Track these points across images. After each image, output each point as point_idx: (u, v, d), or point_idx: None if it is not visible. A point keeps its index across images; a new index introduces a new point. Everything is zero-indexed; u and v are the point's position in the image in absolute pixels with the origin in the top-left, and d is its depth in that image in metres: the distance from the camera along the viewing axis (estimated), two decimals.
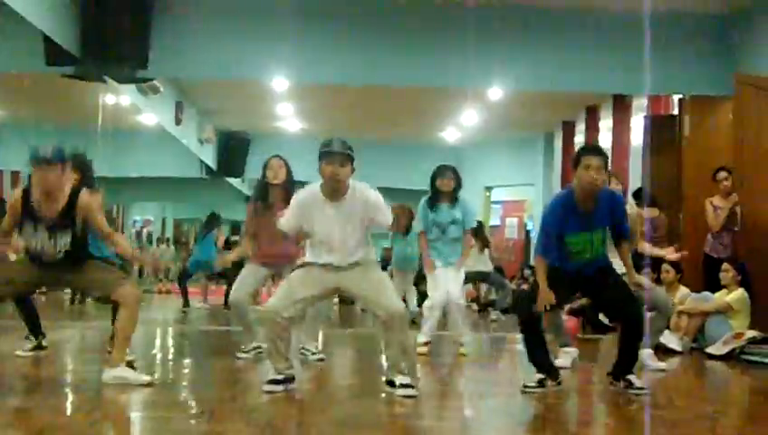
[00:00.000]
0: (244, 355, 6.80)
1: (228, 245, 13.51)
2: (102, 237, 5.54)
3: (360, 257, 5.24)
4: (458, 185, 7.73)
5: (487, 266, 11.69)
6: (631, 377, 5.53)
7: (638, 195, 9.51)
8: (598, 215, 5.39)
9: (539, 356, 5.51)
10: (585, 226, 5.36)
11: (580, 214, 5.36)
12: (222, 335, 9.45)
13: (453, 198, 7.71)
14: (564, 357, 6.65)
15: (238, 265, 7.26)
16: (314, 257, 5.30)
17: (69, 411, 4.78)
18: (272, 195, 6.72)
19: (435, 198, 7.69)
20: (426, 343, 7.50)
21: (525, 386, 5.43)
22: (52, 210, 5.25)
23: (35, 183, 5.19)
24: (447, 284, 7.60)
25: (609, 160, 6.65)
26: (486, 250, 11.72)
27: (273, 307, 5.17)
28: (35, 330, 6.63)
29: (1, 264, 5.20)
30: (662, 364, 6.80)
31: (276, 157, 6.88)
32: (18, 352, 6.49)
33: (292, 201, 5.41)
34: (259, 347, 6.68)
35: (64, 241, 5.29)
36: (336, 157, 5.08)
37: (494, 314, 12.13)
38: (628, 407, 5.18)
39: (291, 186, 6.59)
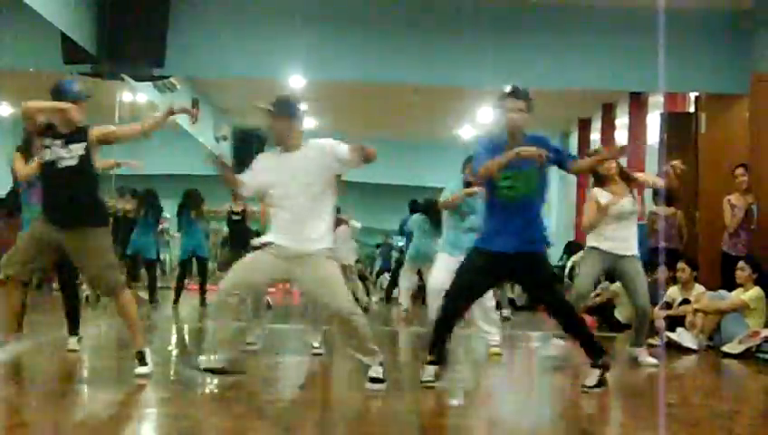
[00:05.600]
0: None
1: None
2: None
3: (316, 248, 5.07)
4: None
5: None
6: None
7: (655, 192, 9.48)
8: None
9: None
10: (514, 164, 5.33)
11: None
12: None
13: None
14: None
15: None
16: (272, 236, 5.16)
17: (88, 408, 4.81)
18: None
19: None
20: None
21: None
22: None
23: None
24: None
25: (626, 158, 6.64)
26: None
27: (224, 289, 5.07)
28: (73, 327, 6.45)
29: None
30: (653, 360, 6.72)
31: None
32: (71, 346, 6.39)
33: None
34: None
35: None
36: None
37: (506, 312, 11.97)
38: (643, 405, 5.18)
39: None
